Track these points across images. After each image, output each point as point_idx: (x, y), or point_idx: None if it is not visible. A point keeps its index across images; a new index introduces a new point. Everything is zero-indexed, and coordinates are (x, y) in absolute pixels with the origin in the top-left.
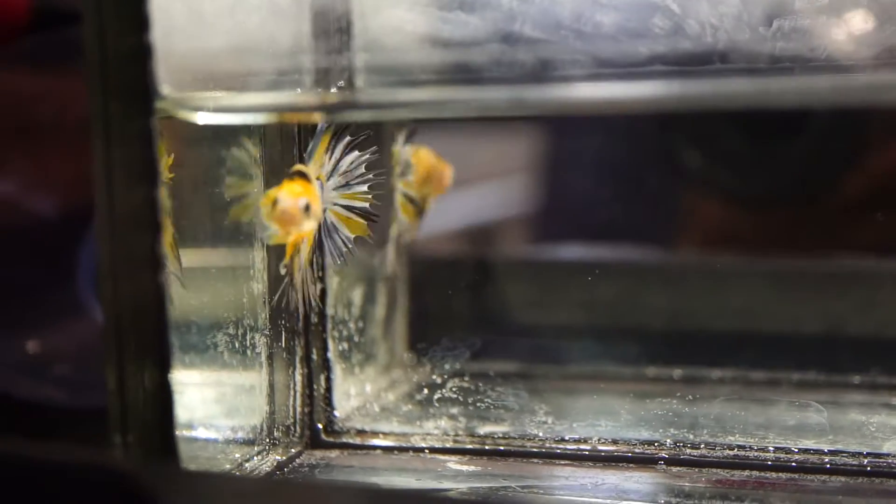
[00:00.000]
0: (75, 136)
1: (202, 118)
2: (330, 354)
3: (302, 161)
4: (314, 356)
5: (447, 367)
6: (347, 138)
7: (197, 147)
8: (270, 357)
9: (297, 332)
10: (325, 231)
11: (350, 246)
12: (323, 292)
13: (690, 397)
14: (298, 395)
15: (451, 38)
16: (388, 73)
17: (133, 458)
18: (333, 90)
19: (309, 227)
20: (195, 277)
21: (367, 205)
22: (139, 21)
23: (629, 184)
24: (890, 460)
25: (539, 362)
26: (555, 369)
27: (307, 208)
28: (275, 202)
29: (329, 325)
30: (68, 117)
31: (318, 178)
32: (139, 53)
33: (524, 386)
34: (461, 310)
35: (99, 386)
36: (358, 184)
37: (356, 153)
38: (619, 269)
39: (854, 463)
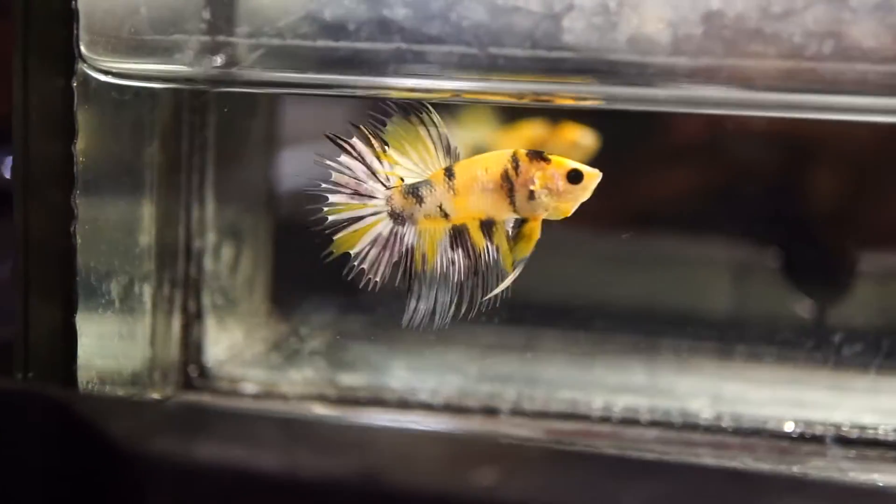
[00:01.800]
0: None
1: (108, 81)
2: (204, 305)
3: None
4: (190, 306)
5: (313, 321)
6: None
7: (106, 106)
8: (154, 305)
9: (178, 283)
10: None
11: None
12: (202, 247)
13: (529, 357)
14: (176, 342)
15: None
16: (273, 53)
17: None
18: (217, 64)
19: None
20: (98, 230)
21: None
22: None
23: None
24: (695, 418)
25: (397, 320)
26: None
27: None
28: (576, 175)
29: (204, 279)
30: None
31: None
32: (64, 16)
33: (383, 341)
34: (326, 268)
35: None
36: None
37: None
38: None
39: (665, 418)
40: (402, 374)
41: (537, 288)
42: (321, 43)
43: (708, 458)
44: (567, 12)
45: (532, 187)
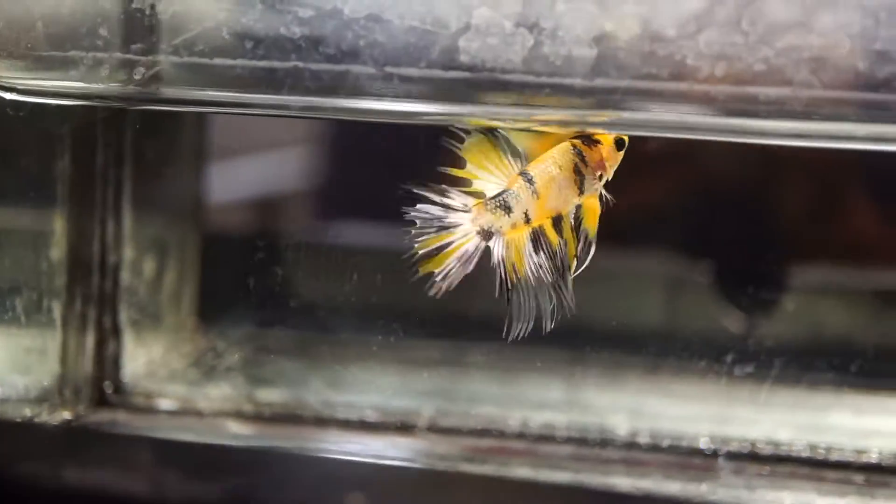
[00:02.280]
0: None
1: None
2: (121, 321)
3: None
4: (105, 322)
5: (234, 337)
6: None
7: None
8: (65, 320)
9: (92, 298)
10: None
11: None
12: (118, 262)
13: (452, 372)
14: (89, 358)
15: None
16: (193, 69)
17: None
18: (137, 78)
19: None
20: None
21: None
22: None
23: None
24: (611, 434)
25: (321, 336)
26: (334, 344)
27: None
28: (620, 142)
29: (122, 293)
30: None
31: None
32: None
33: (303, 357)
34: (249, 282)
35: None
36: None
37: None
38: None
39: (583, 435)
40: (321, 390)
41: (458, 303)
42: (218, 61)
43: (621, 476)
44: (463, 32)
45: (602, 171)
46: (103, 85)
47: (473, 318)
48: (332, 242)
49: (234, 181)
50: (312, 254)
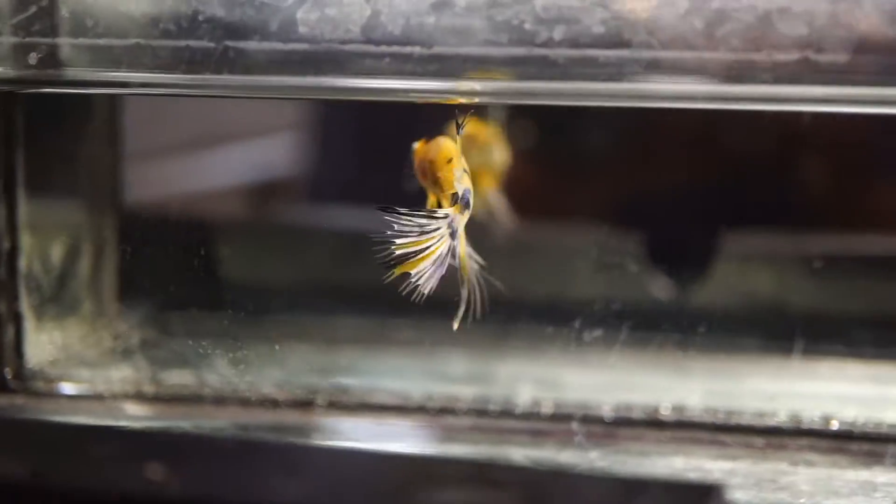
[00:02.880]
0: None
1: None
2: (21, 306)
3: None
4: (2, 308)
5: (146, 320)
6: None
7: None
8: None
9: None
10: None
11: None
12: (13, 249)
13: (367, 349)
14: None
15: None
16: (95, 53)
17: None
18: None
19: None
20: None
21: None
22: None
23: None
24: (512, 406)
25: (239, 317)
26: (253, 324)
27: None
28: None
29: (20, 279)
30: None
31: None
32: None
33: (215, 339)
34: (169, 267)
35: None
36: None
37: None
38: (336, 230)
39: (482, 407)
40: (224, 370)
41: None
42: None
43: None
44: (300, 4)
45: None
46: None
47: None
48: (255, 222)
49: (153, 164)
50: (236, 234)
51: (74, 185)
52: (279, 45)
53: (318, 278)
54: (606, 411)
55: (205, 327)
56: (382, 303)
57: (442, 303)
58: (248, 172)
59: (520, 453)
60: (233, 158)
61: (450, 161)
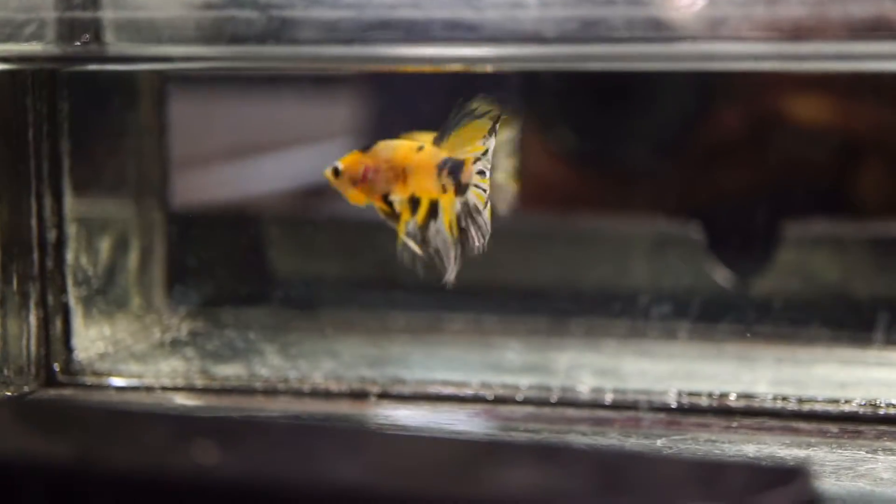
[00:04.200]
0: None
1: None
2: (69, 299)
3: None
4: (50, 300)
5: (194, 312)
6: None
7: None
8: (2, 300)
9: (32, 277)
10: (466, 212)
11: (487, 229)
12: (59, 240)
13: (421, 341)
14: (33, 337)
15: None
16: (137, 28)
17: None
18: (77, 43)
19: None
20: None
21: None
22: None
23: None
24: (570, 393)
25: (289, 310)
26: (302, 317)
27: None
28: None
29: (68, 271)
30: None
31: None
32: None
33: (266, 331)
34: (217, 260)
35: None
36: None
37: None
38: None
39: (543, 395)
40: (276, 361)
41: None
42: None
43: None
44: None
45: None
46: (44, 46)
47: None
48: (302, 217)
49: (200, 157)
50: (285, 227)
51: (123, 177)
52: (327, 13)
53: (369, 270)
54: (671, 399)
55: (254, 320)
56: (434, 294)
57: (495, 295)
58: (298, 165)
59: (583, 441)
60: (283, 153)
61: (421, 149)
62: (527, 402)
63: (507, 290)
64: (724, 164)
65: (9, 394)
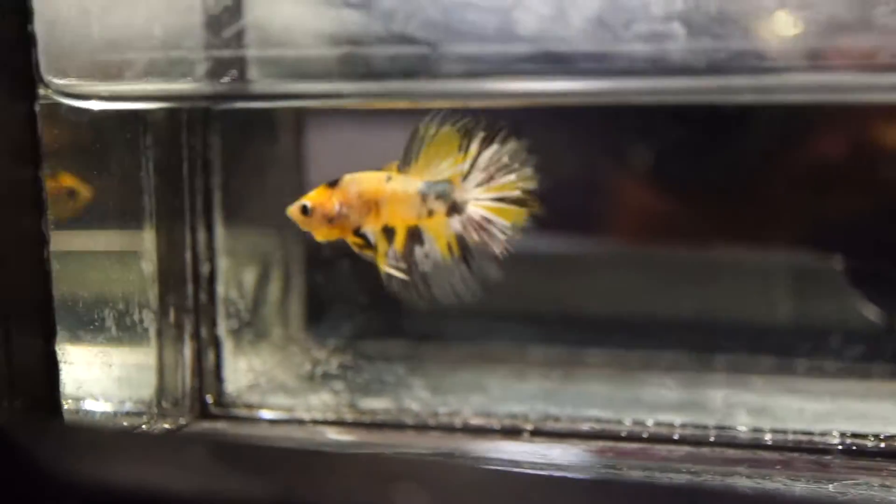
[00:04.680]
0: None
1: (87, 106)
2: (220, 331)
3: None
4: (203, 332)
5: (337, 345)
6: (481, 134)
7: (84, 132)
8: (159, 333)
9: (187, 309)
10: (474, 226)
11: (509, 233)
12: (212, 273)
13: (563, 376)
14: (188, 369)
15: (338, 34)
16: (278, 65)
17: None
18: (225, 80)
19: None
20: (86, 257)
21: (517, 192)
22: (22, 11)
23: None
24: (732, 432)
25: (425, 342)
26: (440, 349)
27: (304, 210)
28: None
29: (220, 305)
30: None
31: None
32: (21, 42)
33: (409, 364)
34: (354, 292)
35: None
36: (503, 175)
37: (495, 146)
38: (509, 255)
39: (701, 434)
40: (423, 395)
41: (575, 304)
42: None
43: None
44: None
45: None
46: (194, 84)
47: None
48: None
49: None
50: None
51: (264, 210)
52: (498, 48)
53: (511, 304)
54: (835, 440)
55: (398, 353)
56: (573, 328)
57: (635, 329)
58: None
59: (748, 485)
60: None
61: (389, 179)
62: (683, 441)
63: (647, 323)
64: (856, 193)
65: (166, 426)
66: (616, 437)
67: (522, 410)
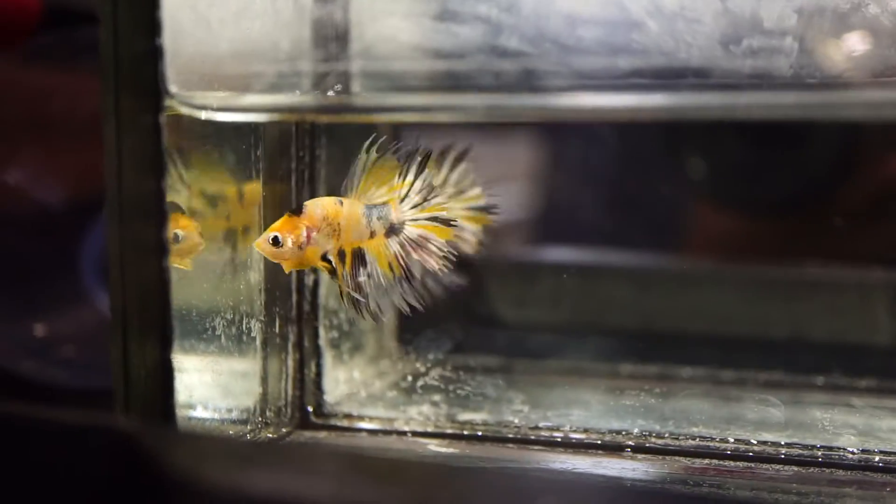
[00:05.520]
0: (83, 130)
1: (206, 116)
2: (321, 342)
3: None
4: (306, 343)
5: (431, 358)
6: (418, 160)
7: (202, 142)
8: (265, 342)
9: (291, 319)
10: (411, 245)
11: (446, 249)
12: (315, 283)
13: (660, 392)
14: (290, 379)
15: (442, 48)
16: (381, 78)
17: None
18: (330, 93)
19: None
20: (197, 266)
21: (445, 213)
22: (151, 25)
23: (616, 191)
24: (840, 453)
25: (519, 357)
26: (533, 364)
27: (276, 241)
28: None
29: (321, 315)
30: (77, 112)
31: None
32: (150, 54)
33: (503, 378)
34: (446, 305)
35: (100, 368)
36: (434, 197)
37: (425, 173)
38: (599, 271)
39: (807, 454)
40: (522, 409)
41: (667, 322)
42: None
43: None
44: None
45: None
46: (301, 98)
47: (685, 339)
48: (529, 262)
49: None
50: (510, 275)
51: None
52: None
53: (602, 320)
54: None
55: (492, 367)
56: (666, 346)
57: (726, 347)
58: (519, 210)
59: None
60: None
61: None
62: (789, 461)
63: (737, 341)
64: None
65: (269, 435)
66: (720, 456)
67: (623, 426)
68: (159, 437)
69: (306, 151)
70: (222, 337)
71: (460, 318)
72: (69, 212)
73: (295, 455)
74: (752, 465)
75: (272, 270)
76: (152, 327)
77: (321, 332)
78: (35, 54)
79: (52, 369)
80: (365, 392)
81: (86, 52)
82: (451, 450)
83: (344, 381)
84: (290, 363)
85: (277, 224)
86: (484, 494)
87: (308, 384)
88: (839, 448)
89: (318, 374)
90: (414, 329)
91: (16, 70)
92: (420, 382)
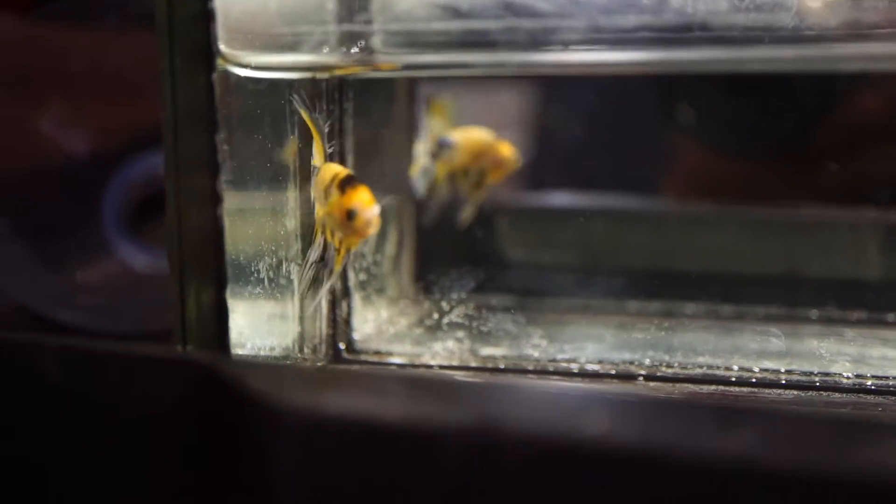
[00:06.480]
0: (107, 85)
1: (249, 74)
2: (350, 284)
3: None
4: (337, 285)
5: (451, 298)
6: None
7: (246, 98)
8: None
9: (325, 262)
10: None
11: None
12: None
13: (667, 326)
14: (324, 318)
15: (459, 6)
16: (401, 36)
17: None
18: (354, 50)
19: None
20: (244, 214)
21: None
22: None
23: (618, 137)
24: (836, 378)
25: (533, 296)
26: (547, 302)
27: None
28: (351, 214)
29: (350, 258)
30: (101, 69)
31: None
32: (203, 17)
33: (520, 315)
34: (463, 249)
35: (127, 314)
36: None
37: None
38: (605, 214)
39: (805, 380)
40: (541, 344)
41: (670, 261)
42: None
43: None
44: None
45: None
46: (328, 57)
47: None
48: (544, 206)
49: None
50: (524, 217)
51: (383, 170)
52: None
53: (608, 260)
54: None
55: (510, 307)
56: (671, 284)
57: (726, 284)
58: (530, 156)
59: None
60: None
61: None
62: (790, 385)
63: (737, 279)
64: None
65: None
66: (726, 382)
67: (634, 357)
68: (238, 367)
69: (336, 105)
70: (265, 280)
71: (476, 260)
72: (91, 165)
73: (362, 379)
74: (756, 390)
75: (306, 217)
76: (208, 271)
77: (350, 274)
78: (60, 13)
79: (85, 315)
80: (391, 330)
81: (109, 12)
82: (476, 381)
83: (371, 321)
84: (324, 304)
85: (365, 196)
86: (535, 408)
87: (339, 323)
88: (835, 374)
89: (349, 314)
90: (432, 271)
91: (39, 27)
92: (442, 320)
